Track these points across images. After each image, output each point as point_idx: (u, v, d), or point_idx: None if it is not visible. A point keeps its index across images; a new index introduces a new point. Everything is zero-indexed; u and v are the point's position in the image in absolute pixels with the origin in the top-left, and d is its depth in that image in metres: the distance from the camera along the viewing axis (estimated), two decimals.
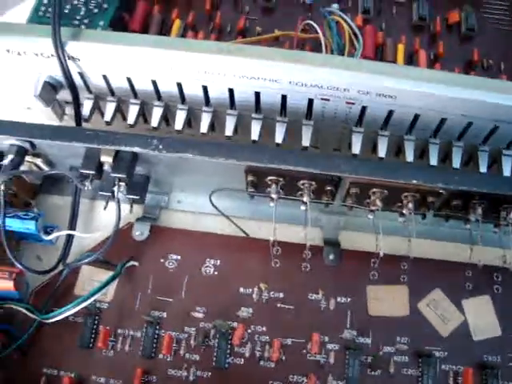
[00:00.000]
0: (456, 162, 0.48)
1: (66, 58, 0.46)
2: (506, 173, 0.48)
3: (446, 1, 0.59)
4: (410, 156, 0.48)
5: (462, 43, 0.57)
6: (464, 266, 0.49)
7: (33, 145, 0.46)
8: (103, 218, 0.52)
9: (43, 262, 0.51)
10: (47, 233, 0.49)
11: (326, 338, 0.47)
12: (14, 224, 0.47)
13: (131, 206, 0.50)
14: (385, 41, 0.54)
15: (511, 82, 0.47)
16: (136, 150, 0.43)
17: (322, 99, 0.46)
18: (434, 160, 0.48)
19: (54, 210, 0.52)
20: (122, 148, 0.44)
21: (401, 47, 0.54)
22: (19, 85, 0.50)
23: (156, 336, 0.47)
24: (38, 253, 0.51)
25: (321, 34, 0.51)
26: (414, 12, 0.58)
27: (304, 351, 0.47)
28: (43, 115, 0.53)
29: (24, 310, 0.46)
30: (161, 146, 0.43)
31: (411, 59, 0.55)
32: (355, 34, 0.51)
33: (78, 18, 0.51)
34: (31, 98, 0.50)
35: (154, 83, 0.48)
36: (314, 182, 0.45)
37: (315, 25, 0.52)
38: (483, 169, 0.48)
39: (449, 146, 0.48)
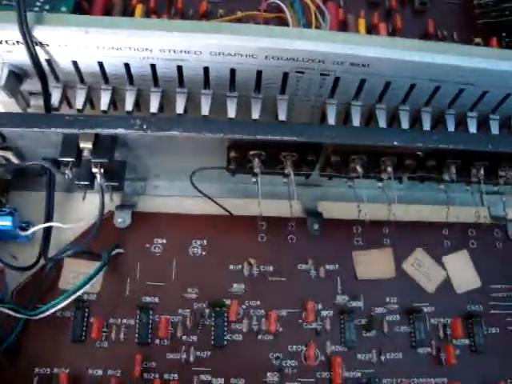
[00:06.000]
0: (426, 126, 0.50)
1: (34, 44, 0.44)
2: None
3: None
4: (382, 123, 0.50)
5: (416, 16, 0.59)
6: (441, 226, 0.51)
7: (3, 137, 0.44)
8: (79, 210, 0.51)
9: (19, 260, 0.49)
10: (23, 229, 0.47)
11: (320, 306, 0.48)
12: None
13: (111, 194, 0.48)
14: (346, 17, 0.56)
15: (473, 46, 0.50)
16: (120, 131, 0.42)
17: (297, 72, 0.47)
18: (405, 125, 0.50)
19: (25, 207, 0.50)
20: (105, 131, 0.43)
21: (362, 22, 0.56)
22: None
23: (150, 321, 0.46)
24: (12, 252, 0.49)
25: (287, 12, 0.52)
26: None
27: (300, 321, 0.48)
28: (4, 109, 0.51)
29: (8, 311, 0.44)
30: (145, 126, 0.42)
31: (371, 33, 0.57)
32: (320, 10, 0.53)
33: (38, 4, 0.49)
34: None
35: (127, 66, 0.47)
36: (295, 153, 0.46)
37: (281, 3, 0.53)
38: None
39: (418, 111, 0.51)
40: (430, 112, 0.50)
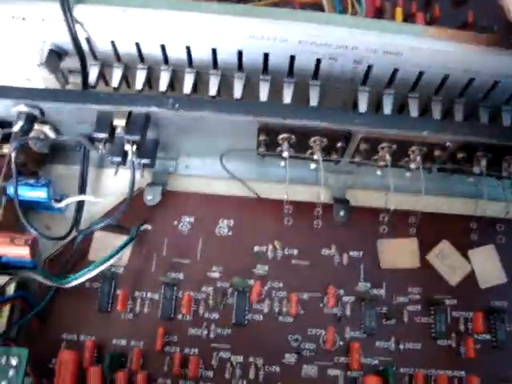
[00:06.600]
0: (458, 119, 0.50)
1: (74, 22, 0.46)
2: None
3: None
4: (413, 113, 0.50)
5: (455, 7, 0.59)
6: (469, 219, 0.51)
7: (42, 111, 0.46)
8: (111, 185, 0.52)
9: (52, 231, 0.50)
10: (57, 201, 0.49)
11: (342, 291, 0.49)
12: (25, 192, 0.47)
13: (142, 171, 0.50)
14: (383, 4, 0.56)
15: None
16: (153, 109, 0.44)
17: (330, 58, 0.47)
18: (437, 117, 0.50)
19: (60, 180, 0.51)
20: (139, 108, 0.44)
21: (398, 10, 0.55)
22: (20, 55, 0.50)
23: (174, 297, 0.48)
24: (46, 222, 0.51)
25: None
26: None
27: (321, 305, 0.48)
28: (44, 86, 0.53)
29: (40, 278, 0.46)
30: (177, 105, 0.44)
31: (408, 22, 0.56)
32: None
33: None
34: (32, 69, 0.50)
35: (163, 47, 0.48)
36: (325, 139, 0.46)
37: None
38: None
39: (450, 102, 0.50)
40: (463, 104, 0.50)
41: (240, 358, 0.46)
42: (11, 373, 0.40)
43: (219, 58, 0.48)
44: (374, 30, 0.45)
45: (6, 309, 0.44)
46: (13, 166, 0.45)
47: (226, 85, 0.51)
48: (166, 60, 0.49)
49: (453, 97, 0.50)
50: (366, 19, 0.48)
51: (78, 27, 0.46)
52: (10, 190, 0.46)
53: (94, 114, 0.45)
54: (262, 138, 0.46)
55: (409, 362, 0.47)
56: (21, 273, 0.46)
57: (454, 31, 0.46)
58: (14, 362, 0.40)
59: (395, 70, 0.48)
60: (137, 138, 0.45)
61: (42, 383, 0.44)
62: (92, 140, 0.47)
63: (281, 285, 0.49)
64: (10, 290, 0.45)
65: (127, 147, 0.46)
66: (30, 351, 0.41)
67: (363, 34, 0.45)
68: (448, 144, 0.45)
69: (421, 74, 0.48)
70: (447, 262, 0.50)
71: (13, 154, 0.45)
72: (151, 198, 0.51)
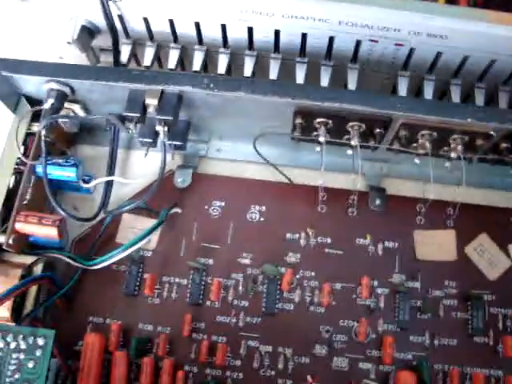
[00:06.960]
0: (502, 107, 0.48)
1: None
2: None
3: None
4: (455, 100, 0.48)
5: None
6: (509, 212, 0.49)
7: (72, 89, 0.45)
8: (140, 167, 0.51)
9: (80, 212, 0.50)
10: (86, 182, 0.48)
11: (376, 283, 0.47)
12: (54, 171, 0.46)
13: (173, 153, 0.48)
14: None
15: None
16: (187, 88, 0.42)
17: (371, 41, 0.45)
18: (479, 104, 0.48)
19: (88, 161, 0.50)
20: (172, 87, 0.42)
21: None
22: (52, 32, 0.49)
23: (203, 283, 0.46)
24: (74, 203, 0.50)
25: None
26: None
27: (354, 296, 0.47)
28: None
29: (67, 259, 0.45)
30: (212, 85, 0.42)
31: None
32: None
33: None
34: (64, 47, 0.49)
35: (197, 25, 0.47)
36: (363, 124, 0.44)
37: None
38: None
39: (492, 90, 0.48)
40: (507, 92, 0.48)
41: (269, 348, 0.45)
42: (38, 353, 0.39)
43: (255, 37, 0.47)
44: (419, 12, 0.43)
45: (33, 289, 0.44)
46: (42, 144, 0.44)
47: (260, 67, 0.49)
48: (200, 39, 0.48)
49: (497, 84, 0.48)
50: (410, 0, 0.46)
51: (110, 3, 0.45)
52: (39, 169, 0.46)
53: (125, 92, 0.44)
54: (298, 121, 0.44)
55: (443, 359, 0.45)
56: (48, 253, 0.46)
57: (503, 14, 0.43)
58: (40, 342, 0.40)
59: (438, 54, 0.46)
60: (169, 118, 0.43)
61: (68, 365, 0.43)
62: (123, 120, 0.45)
63: (313, 274, 0.47)
64: (38, 270, 0.44)
65: (159, 128, 0.44)
66: (56, 333, 0.40)
67: (407, 16, 0.43)
68: (492, 132, 0.43)
69: (465, 58, 0.46)
70: (486, 255, 0.48)
71: (42, 132, 0.44)
72: (181, 180, 0.49)
